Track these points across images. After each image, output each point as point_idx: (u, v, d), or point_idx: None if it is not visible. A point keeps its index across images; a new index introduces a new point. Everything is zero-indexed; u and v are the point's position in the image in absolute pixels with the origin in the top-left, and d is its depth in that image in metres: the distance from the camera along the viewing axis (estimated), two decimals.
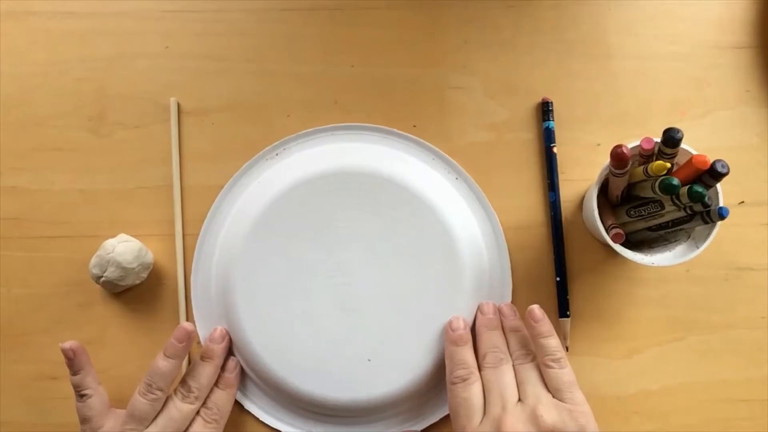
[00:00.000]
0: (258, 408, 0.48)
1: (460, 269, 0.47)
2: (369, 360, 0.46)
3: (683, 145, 0.41)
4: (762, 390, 0.49)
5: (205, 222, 0.50)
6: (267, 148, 0.51)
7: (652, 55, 0.52)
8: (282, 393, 0.47)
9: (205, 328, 0.49)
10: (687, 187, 0.39)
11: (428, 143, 0.51)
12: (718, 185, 0.42)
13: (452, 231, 0.47)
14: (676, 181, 0.39)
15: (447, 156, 0.50)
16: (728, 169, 0.39)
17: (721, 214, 0.40)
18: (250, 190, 0.49)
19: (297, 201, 0.47)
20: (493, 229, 0.50)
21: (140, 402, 0.43)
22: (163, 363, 0.44)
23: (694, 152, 0.41)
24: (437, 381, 0.47)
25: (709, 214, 0.41)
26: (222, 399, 0.46)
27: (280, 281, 0.47)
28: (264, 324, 0.46)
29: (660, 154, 0.41)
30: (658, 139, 0.41)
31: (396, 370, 0.46)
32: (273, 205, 0.47)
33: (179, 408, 0.44)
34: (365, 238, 0.47)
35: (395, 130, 0.51)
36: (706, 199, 0.40)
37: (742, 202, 0.51)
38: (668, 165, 0.40)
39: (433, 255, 0.47)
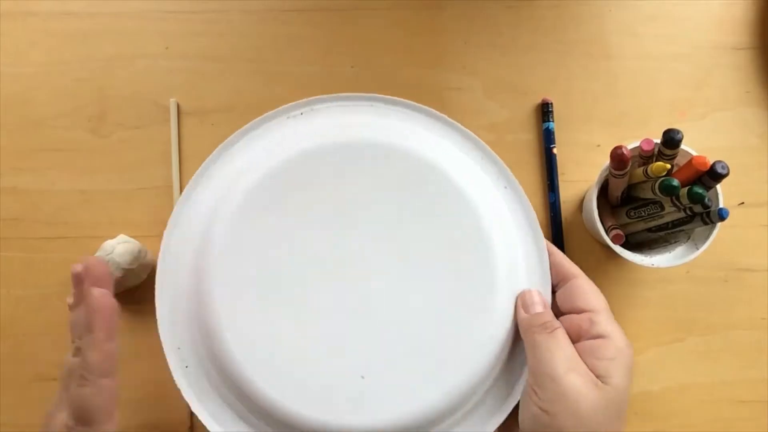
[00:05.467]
0: (215, 422, 0.39)
1: (494, 267, 0.40)
2: (362, 377, 0.37)
3: (683, 146, 0.41)
4: (762, 391, 0.49)
5: (185, 190, 0.41)
6: (293, 104, 0.43)
7: (652, 55, 0.52)
8: (255, 408, 0.38)
9: (173, 336, 0.40)
10: (687, 188, 0.39)
11: (467, 129, 0.45)
12: (718, 186, 0.42)
13: (485, 224, 0.40)
14: (676, 182, 0.39)
15: (482, 142, 0.44)
16: (728, 170, 0.39)
17: (721, 216, 0.40)
18: (249, 156, 0.41)
19: (305, 172, 0.40)
20: (526, 218, 0.43)
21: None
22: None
23: (694, 153, 0.41)
24: (449, 423, 0.39)
25: (709, 215, 0.41)
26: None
27: (271, 270, 0.38)
28: (246, 321, 0.38)
29: (660, 155, 0.41)
30: (658, 140, 0.41)
31: (393, 397, 0.37)
32: (274, 175, 0.39)
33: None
34: (384, 224, 0.40)
35: (442, 115, 0.45)
36: (706, 200, 0.40)
37: (742, 203, 0.51)
38: (668, 166, 0.40)
39: (463, 252, 0.40)
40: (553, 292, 0.42)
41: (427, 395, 0.38)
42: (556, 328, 0.38)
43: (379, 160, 0.40)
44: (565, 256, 0.43)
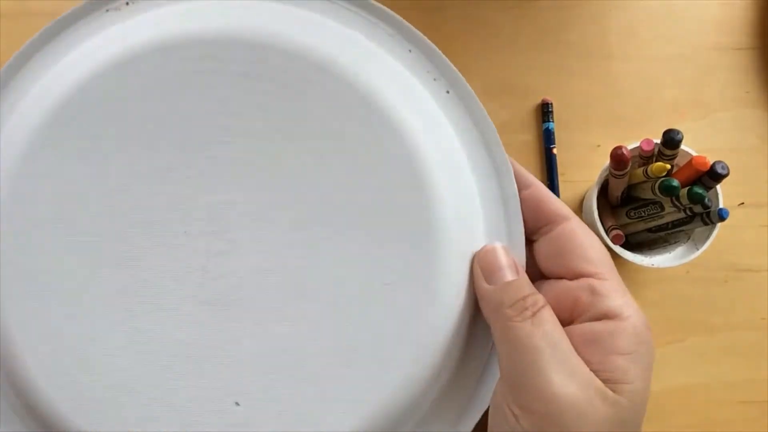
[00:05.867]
0: None
1: (434, 214, 0.26)
2: (237, 404, 0.24)
3: (683, 147, 0.41)
4: (762, 391, 0.49)
5: None
6: None
7: (652, 56, 0.52)
8: None
9: None
10: (687, 188, 0.39)
11: (387, 9, 0.31)
12: (718, 187, 0.42)
13: (416, 151, 0.27)
14: (675, 183, 0.39)
15: (410, 26, 0.31)
16: (728, 170, 0.39)
17: (721, 216, 0.40)
18: (49, 75, 0.27)
19: (133, 92, 0.26)
20: (481, 136, 0.30)
21: None
22: None
23: (694, 153, 0.41)
24: None
25: (709, 216, 0.41)
26: None
27: (83, 243, 0.25)
28: (46, 322, 0.25)
29: (660, 156, 0.41)
30: (658, 141, 0.41)
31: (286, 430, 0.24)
32: (81, 99, 0.26)
33: None
34: (261, 169, 0.26)
35: None
36: (706, 200, 0.40)
37: (742, 203, 0.51)
38: (668, 166, 0.40)
39: (386, 195, 0.26)
40: (530, 241, 0.29)
41: (337, 425, 0.24)
42: (540, 308, 0.25)
43: (249, 66, 0.26)
44: (547, 190, 0.29)
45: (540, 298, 0.25)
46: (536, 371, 0.23)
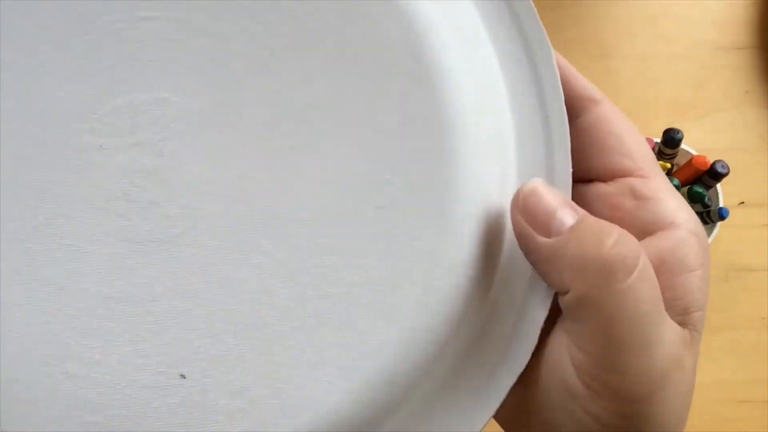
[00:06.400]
0: None
1: (450, 128, 0.18)
2: (183, 377, 0.17)
3: (683, 146, 0.41)
4: (762, 391, 0.49)
5: None
6: None
7: (651, 55, 0.52)
8: None
9: None
10: (687, 187, 0.39)
11: None
12: (718, 186, 0.42)
13: (430, 37, 0.19)
14: (676, 182, 0.39)
15: None
16: (728, 169, 0.39)
17: (721, 215, 0.40)
18: None
19: None
20: (519, 33, 0.20)
21: None
22: None
23: (694, 153, 0.41)
24: None
25: (709, 215, 0.41)
26: None
27: None
28: None
29: (660, 155, 0.41)
30: (658, 140, 0.41)
31: (249, 411, 0.17)
32: None
33: None
34: (199, 53, 0.18)
35: None
36: (706, 199, 0.40)
37: (742, 202, 0.51)
38: (668, 165, 0.41)
39: (383, 95, 0.18)
40: None
41: (320, 399, 0.17)
42: (640, 255, 0.17)
43: None
44: (571, 68, 0.21)
45: (634, 239, 0.17)
46: (642, 347, 0.16)
